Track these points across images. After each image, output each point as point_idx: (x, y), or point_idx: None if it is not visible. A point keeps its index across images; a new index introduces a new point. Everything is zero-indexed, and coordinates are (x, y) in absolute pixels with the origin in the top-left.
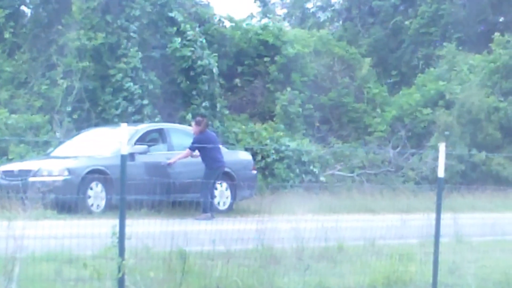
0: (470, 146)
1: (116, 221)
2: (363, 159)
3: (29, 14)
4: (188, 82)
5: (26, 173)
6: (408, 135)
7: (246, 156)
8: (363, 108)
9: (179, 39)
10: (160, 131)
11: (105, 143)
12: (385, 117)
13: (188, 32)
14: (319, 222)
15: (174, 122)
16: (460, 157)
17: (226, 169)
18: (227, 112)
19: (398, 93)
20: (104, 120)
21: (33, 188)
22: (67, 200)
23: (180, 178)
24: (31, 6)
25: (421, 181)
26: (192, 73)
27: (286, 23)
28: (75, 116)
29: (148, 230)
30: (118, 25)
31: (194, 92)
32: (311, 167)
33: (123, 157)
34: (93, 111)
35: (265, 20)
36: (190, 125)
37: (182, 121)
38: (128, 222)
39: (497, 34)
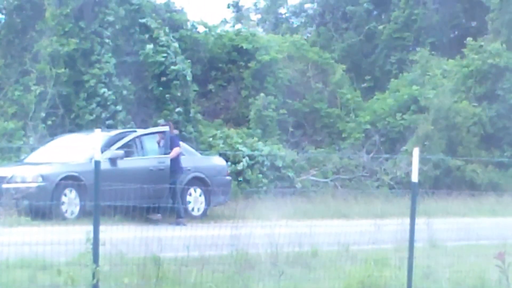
0: (445, 151)
1: (90, 228)
2: (337, 164)
3: (2, 21)
4: (161, 88)
5: None
6: (382, 140)
7: (220, 161)
8: (337, 113)
9: (152, 45)
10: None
11: (79, 149)
12: (359, 122)
13: (161, 38)
14: (293, 228)
15: (147, 128)
16: (434, 163)
17: (200, 175)
18: (200, 117)
19: (371, 98)
20: (78, 126)
21: (6, 194)
22: (41, 207)
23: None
24: (4, 12)
25: (395, 186)
26: (165, 79)
27: (259, 29)
28: (49, 122)
29: (122, 236)
30: (91, 30)
31: (167, 98)
32: (285, 172)
33: (96, 163)
34: (67, 117)
35: (238, 26)
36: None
37: (156, 126)
38: (102, 228)
39: (469, 39)
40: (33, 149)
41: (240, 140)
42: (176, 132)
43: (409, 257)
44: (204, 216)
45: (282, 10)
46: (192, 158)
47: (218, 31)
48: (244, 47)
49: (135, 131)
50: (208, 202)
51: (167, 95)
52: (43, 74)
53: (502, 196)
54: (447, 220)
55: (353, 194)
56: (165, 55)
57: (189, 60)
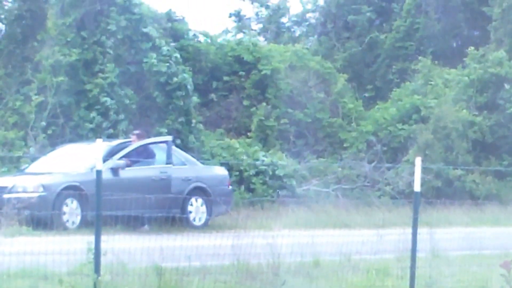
0: (446, 161)
1: (91, 237)
2: (338, 174)
3: (3, 30)
4: (163, 98)
5: (0, 189)
6: (384, 149)
7: (221, 171)
8: (339, 122)
9: (154, 55)
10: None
11: (80, 159)
12: (361, 131)
13: (163, 48)
14: (295, 237)
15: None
16: (436, 173)
17: (201, 185)
18: (202, 127)
19: (373, 108)
20: (79, 135)
21: (8, 204)
22: (42, 217)
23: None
24: (5, 22)
25: (397, 195)
26: (167, 89)
27: (261, 38)
28: (49, 132)
29: (124, 246)
30: (93, 40)
31: (169, 107)
32: (287, 182)
33: (98, 173)
34: (68, 126)
35: (240, 35)
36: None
37: (157, 136)
38: (103, 238)
39: (471, 48)
40: (34, 159)
41: (242, 150)
42: (145, 141)
43: (411, 267)
44: (206, 226)
45: (284, 20)
46: (193, 168)
47: (220, 40)
48: (246, 58)
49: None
50: (209, 212)
51: (169, 105)
52: (44, 84)
53: (504, 205)
54: (449, 230)
55: (355, 203)
56: (167, 64)
57: (190, 70)
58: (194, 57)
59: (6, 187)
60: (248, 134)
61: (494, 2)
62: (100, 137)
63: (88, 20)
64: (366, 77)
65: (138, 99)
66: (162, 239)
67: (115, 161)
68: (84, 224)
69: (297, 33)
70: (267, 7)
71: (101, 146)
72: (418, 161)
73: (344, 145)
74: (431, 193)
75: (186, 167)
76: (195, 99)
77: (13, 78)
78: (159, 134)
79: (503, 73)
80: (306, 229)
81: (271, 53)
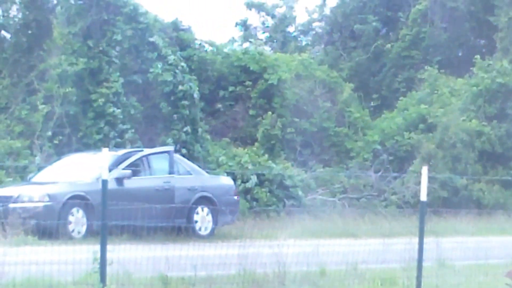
0: (452, 171)
1: (97, 247)
2: (345, 183)
3: (9, 39)
4: (169, 107)
5: (6, 199)
6: (390, 159)
7: (227, 181)
8: (345, 132)
9: (160, 64)
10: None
11: (86, 169)
12: (367, 141)
13: (169, 57)
14: (301, 247)
15: (155, 147)
16: (442, 182)
17: (207, 194)
18: (208, 136)
19: (379, 117)
20: (85, 145)
21: (13, 214)
22: (47, 226)
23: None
24: (11, 31)
25: (403, 205)
26: (173, 98)
27: (267, 47)
28: (55, 141)
29: (130, 255)
30: (99, 50)
31: (175, 117)
32: (293, 191)
33: (104, 183)
34: (74, 136)
35: (246, 45)
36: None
37: (163, 145)
38: (109, 247)
39: (477, 57)
40: (40, 168)
41: (247, 159)
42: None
43: (417, 276)
44: (212, 236)
45: (290, 29)
46: (199, 178)
47: (226, 50)
48: (252, 67)
49: (142, 151)
50: (215, 222)
51: (175, 114)
52: (50, 93)
53: (511, 214)
54: (455, 239)
55: (361, 213)
56: (173, 74)
57: (196, 79)
58: (200, 67)
59: (11, 197)
60: (254, 143)
61: (500, 11)
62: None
63: (94, 30)
64: (372, 86)
65: (144, 109)
66: (168, 248)
67: (120, 170)
68: (90, 234)
69: (303, 43)
70: (273, 16)
71: (107, 155)
72: (424, 170)
73: (350, 154)
74: (438, 202)
75: (192, 177)
76: (201, 108)
77: (19, 87)
78: (165, 143)
79: (511, 83)
80: (312, 238)
81: (277, 63)
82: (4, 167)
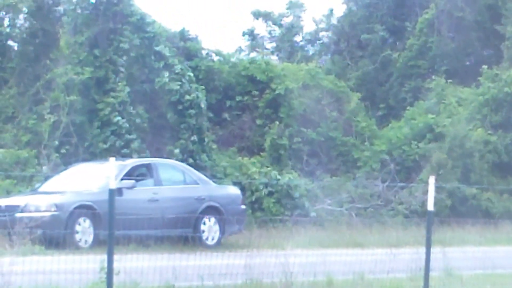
0: (460, 180)
1: (104, 257)
2: (352, 193)
3: (16, 49)
4: (176, 116)
5: (13, 208)
6: (397, 168)
7: (234, 190)
8: (352, 141)
9: (167, 73)
10: (147, 166)
11: (92, 178)
12: (374, 150)
13: (176, 66)
14: (308, 257)
15: (162, 157)
16: (449, 192)
17: (214, 204)
18: (215, 146)
19: (386, 126)
20: (91, 154)
21: (20, 223)
22: (54, 236)
23: (168, 213)
24: (18, 40)
25: (410, 215)
26: (180, 107)
27: (274, 57)
28: (62, 151)
29: (137, 265)
30: (106, 59)
31: (182, 126)
32: (300, 201)
33: (111, 192)
34: (81, 145)
35: (253, 54)
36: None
37: (170, 155)
38: (116, 257)
39: (484, 67)
40: (46, 178)
41: (254, 169)
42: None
43: (424, 286)
44: (219, 245)
45: (297, 38)
46: (206, 187)
47: (233, 59)
48: (259, 77)
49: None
50: (222, 231)
51: (181, 124)
52: (57, 103)
53: None
54: (462, 249)
55: (368, 223)
56: (180, 83)
57: (203, 88)
58: (207, 76)
59: (19, 206)
60: (261, 153)
61: (507, 21)
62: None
63: (101, 39)
64: (379, 96)
65: (150, 118)
66: (175, 258)
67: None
68: (97, 243)
69: (310, 52)
70: (280, 26)
71: (114, 165)
72: (431, 180)
73: (358, 164)
74: (445, 212)
75: (199, 186)
76: (208, 117)
77: (26, 96)
78: (172, 153)
79: None
80: (319, 248)
81: (284, 72)
82: (11, 177)
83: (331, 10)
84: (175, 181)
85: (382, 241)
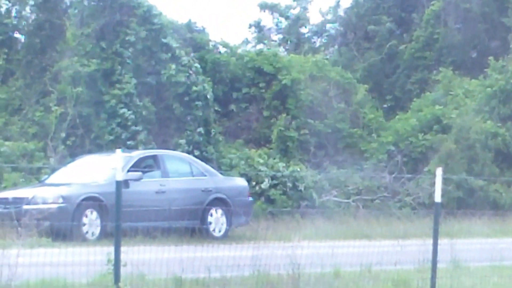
0: (468, 171)
1: (111, 248)
2: (359, 184)
3: (22, 41)
4: (182, 108)
5: (20, 200)
6: (405, 160)
7: (241, 182)
8: (359, 133)
9: (173, 65)
10: (154, 158)
11: (99, 170)
12: (381, 142)
13: (183, 58)
14: (315, 248)
15: (168, 148)
16: (457, 183)
17: (221, 196)
18: (221, 138)
19: (393, 118)
20: (98, 146)
21: (27, 215)
22: (61, 228)
23: (175, 205)
24: (24, 33)
25: (417, 206)
26: (186, 99)
27: (281, 49)
28: (69, 143)
29: (143, 257)
30: (112, 51)
31: (188, 118)
32: (307, 193)
33: (118, 184)
34: (87, 137)
35: (260, 46)
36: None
37: (177, 147)
38: (123, 249)
39: (491, 58)
40: (53, 170)
41: (261, 161)
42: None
43: (431, 277)
44: (226, 237)
45: (303, 30)
46: (213, 179)
47: (240, 51)
48: (266, 68)
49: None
50: (229, 223)
51: (188, 116)
52: (64, 95)
53: None
54: (470, 241)
55: (376, 214)
56: (187, 75)
57: (210, 80)
58: (214, 68)
59: (26, 198)
60: (268, 145)
61: None
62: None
63: (108, 31)
64: (386, 88)
65: (157, 110)
66: (182, 250)
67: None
68: (104, 235)
69: (317, 44)
70: (287, 17)
71: (121, 157)
72: (438, 171)
73: (365, 155)
74: (452, 203)
75: (206, 178)
76: (214, 109)
77: (33, 88)
78: (178, 144)
79: None
80: (326, 240)
81: (291, 64)
82: (18, 169)
83: (338, 2)
84: (182, 173)
85: (389, 233)
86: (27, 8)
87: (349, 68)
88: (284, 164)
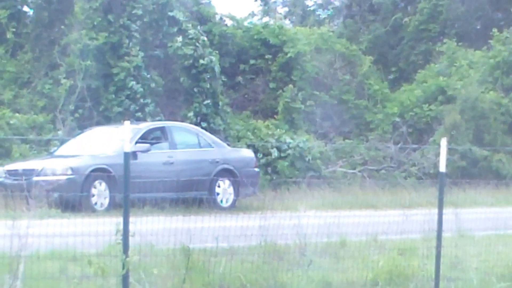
0: (472, 141)
1: (120, 219)
2: (365, 155)
3: (31, 14)
4: (190, 81)
5: (30, 172)
6: (410, 131)
7: (248, 153)
8: (365, 104)
9: (180, 38)
10: (162, 130)
11: (108, 142)
12: (387, 113)
13: (190, 31)
14: (321, 218)
15: (176, 120)
16: (461, 153)
17: (229, 167)
18: (229, 109)
19: (398, 89)
20: (106, 118)
21: (37, 187)
22: (71, 199)
23: (183, 176)
24: (33, 6)
25: (422, 176)
26: (194, 72)
27: (287, 21)
28: (77, 115)
29: (152, 227)
30: (120, 24)
31: (196, 90)
32: (314, 164)
33: (126, 155)
34: (96, 110)
35: (266, 19)
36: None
37: (184, 119)
38: (131, 219)
39: (495, 30)
40: (62, 142)
41: (268, 132)
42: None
43: (437, 246)
44: (233, 207)
45: (309, 3)
46: (220, 150)
47: (246, 24)
48: (272, 41)
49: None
50: (236, 194)
51: (195, 88)
52: (72, 68)
53: None
54: (474, 210)
55: (381, 184)
56: (194, 47)
57: (217, 53)
58: (221, 41)
59: (35, 170)
60: (275, 116)
61: None
62: (128, 120)
63: (115, 4)
64: (391, 59)
65: (164, 82)
66: (190, 220)
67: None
68: (113, 206)
69: (322, 16)
70: None
71: (129, 128)
72: (443, 142)
73: (370, 126)
74: (457, 173)
75: (214, 149)
76: (221, 81)
77: (41, 61)
78: (186, 116)
79: None
80: (332, 210)
81: (296, 36)
82: (28, 141)
83: None
84: (189, 144)
85: (394, 203)
86: None
87: (354, 40)
88: (290, 135)
